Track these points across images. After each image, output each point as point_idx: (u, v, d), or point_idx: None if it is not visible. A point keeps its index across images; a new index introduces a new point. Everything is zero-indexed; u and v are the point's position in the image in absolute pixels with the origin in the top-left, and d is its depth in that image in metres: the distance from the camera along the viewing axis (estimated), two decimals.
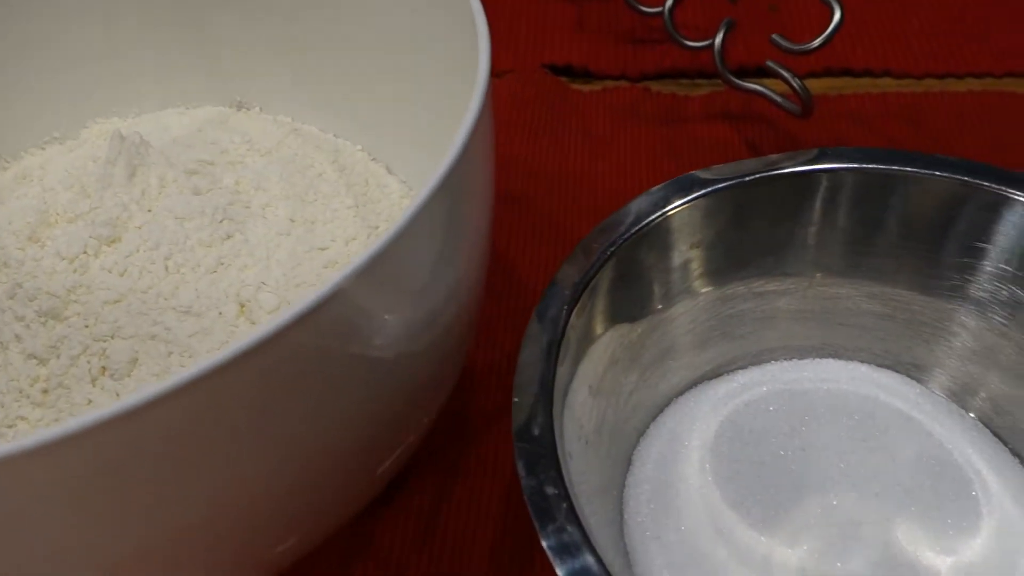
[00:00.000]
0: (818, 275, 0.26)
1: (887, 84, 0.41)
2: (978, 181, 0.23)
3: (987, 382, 0.25)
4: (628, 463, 0.25)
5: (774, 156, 0.25)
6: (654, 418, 0.26)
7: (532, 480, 0.19)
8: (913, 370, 0.27)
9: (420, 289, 0.20)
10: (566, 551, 0.18)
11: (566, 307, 0.22)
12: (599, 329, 0.23)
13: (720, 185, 0.25)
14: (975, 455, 0.25)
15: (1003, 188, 0.23)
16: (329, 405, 0.19)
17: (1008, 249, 0.23)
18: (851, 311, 0.27)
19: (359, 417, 0.20)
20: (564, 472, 0.19)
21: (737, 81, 0.37)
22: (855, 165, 0.24)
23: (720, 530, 0.23)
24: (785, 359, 0.28)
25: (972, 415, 0.26)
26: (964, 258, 0.24)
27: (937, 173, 0.24)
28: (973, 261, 0.24)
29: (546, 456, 0.19)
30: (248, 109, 0.34)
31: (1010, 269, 0.23)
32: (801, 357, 0.28)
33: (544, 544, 0.18)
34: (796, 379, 0.27)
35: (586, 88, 0.42)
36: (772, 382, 0.27)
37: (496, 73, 0.43)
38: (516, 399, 0.20)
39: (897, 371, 0.27)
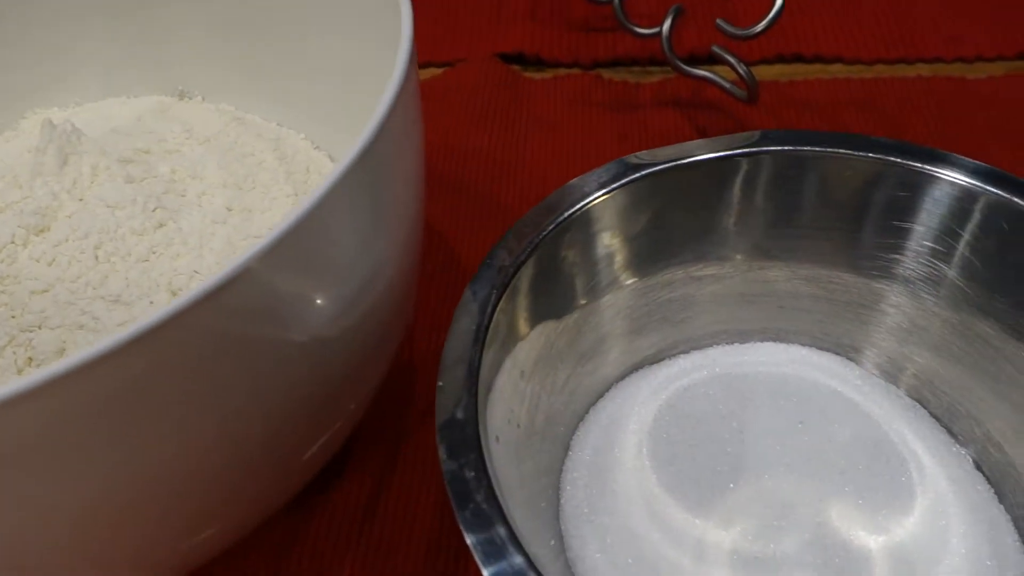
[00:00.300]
0: (756, 259, 0.26)
1: (838, 70, 0.41)
2: (905, 161, 0.23)
3: (921, 362, 0.25)
4: (567, 448, 0.25)
5: (709, 139, 0.25)
6: (593, 403, 0.26)
7: (452, 464, 0.19)
8: (851, 352, 0.27)
9: (340, 270, 0.20)
10: (486, 541, 0.18)
11: (495, 291, 0.22)
12: (531, 314, 0.23)
13: (654, 168, 0.25)
14: (911, 435, 0.25)
15: (926, 167, 0.23)
16: (245, 389, 0.18)
17: (933, 227, 0.23)
18: (790, 294, 0.27)
19: (280, 402, 0.20)
20: (486, 455, 0.19)
21: (685, 67, 0.37)
22: (787, 148, 0.24)
23: (655, 513, 0.23)
24: (726, 343, 0.28)
25: (908, 395, 0.26)
26: (893, 238, 0.24)
27: (869, 155, 0.24)
28: (901, 240, 0.24)
29: (468, 440, 0.19)
30: (190, 98, 0.34)
31: (932, 245, 0.23)
32: (743, 341, 0.28)
33: (459, 522, 0.18)
34: (736, 363, 0.27)
35: (538, 76, 0.42)
36: (712, 366, 0.27)
37: (449, 62, 0.42)
38: (441, 383, 0.20)
39: (836, 353, 0.27)
